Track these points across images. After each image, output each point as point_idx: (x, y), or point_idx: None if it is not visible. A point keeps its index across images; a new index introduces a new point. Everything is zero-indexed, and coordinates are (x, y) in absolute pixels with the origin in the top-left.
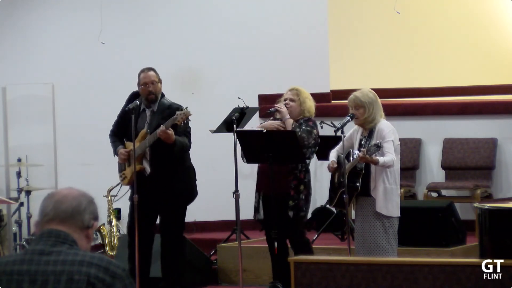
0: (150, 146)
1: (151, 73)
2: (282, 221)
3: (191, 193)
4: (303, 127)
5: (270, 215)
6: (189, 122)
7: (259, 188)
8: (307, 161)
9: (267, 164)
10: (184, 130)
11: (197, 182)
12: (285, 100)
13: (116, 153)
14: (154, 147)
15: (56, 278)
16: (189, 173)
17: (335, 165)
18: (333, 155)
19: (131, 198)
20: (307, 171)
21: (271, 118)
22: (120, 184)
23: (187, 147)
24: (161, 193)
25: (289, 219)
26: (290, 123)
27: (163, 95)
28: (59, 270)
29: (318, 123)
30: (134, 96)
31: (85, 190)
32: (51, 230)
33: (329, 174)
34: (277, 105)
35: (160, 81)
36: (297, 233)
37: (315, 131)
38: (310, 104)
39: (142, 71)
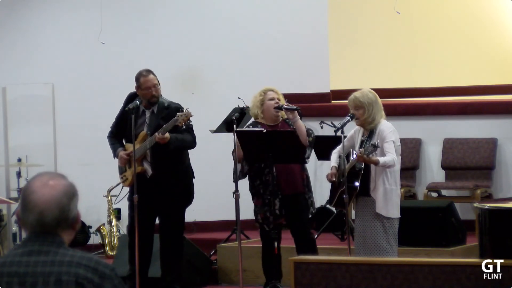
0: (151, 150)
1: (151, 76)
2: (301, 220)
3: (190, 194)
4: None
5: (292, 215)
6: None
7: (277, 192)
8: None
9: (284, 166)
10: (187, 126)
11: (197, 182)
12: (272, 99)
13: (116, 155)
14: (155, 149)
15: (45, 280)
16: (188, 174)
17: (334, 178)
18: (334, 157)
19: (130, 199)
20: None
21: (250, 123)
22: (121, 185)
23: (190, 143)
24: (161, 194)
25: (307, 217)
26: (302, 124)
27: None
28: (48, 271)
29: (318, 123)
30: (131, 97)
31: (60, 175)
32: (38, 233)
33: None
34: (292, 106)
35: (159, 82)
36: (310, 230)
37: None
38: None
39: (141, 74)
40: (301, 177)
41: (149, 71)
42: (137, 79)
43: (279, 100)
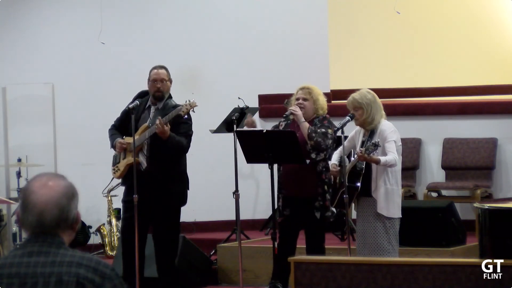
0: (149, 141)
1: (162, 71)
2: (309, 223)
3: (183, 197)
4: (319, 131)
5: (295, 217)
6: (192, 125)
7: (281, 190)
8: (324, 161)
9: (292, 166)
10: (185, 132)
11: (197, 182)
12: (297, 99)
13: (113, 145)
14: (153, 142)
15: (45, 280)
16: (183, 178)
17: (337, 168)
18: (335, 157)
19: (124, 200)
20: (328, 170)
21: (282, 120)
22: (117, 182)
23: (183, 148)
24: (156, 193)
25: (316, 220)
26: (306, 127)
27: (170, 96)
28: (48, 271)
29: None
30: (141, 94)
31: (60, 176)
32: (38, 234)
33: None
34: (292, 108)
35: (170, 80)
36: (321, 236)
37: (330, 130)
38: (323, 101)
39: (154, 67)
40: (313, 181)
41: (162, 66)
42: (150, 71)
43: (305, 100)
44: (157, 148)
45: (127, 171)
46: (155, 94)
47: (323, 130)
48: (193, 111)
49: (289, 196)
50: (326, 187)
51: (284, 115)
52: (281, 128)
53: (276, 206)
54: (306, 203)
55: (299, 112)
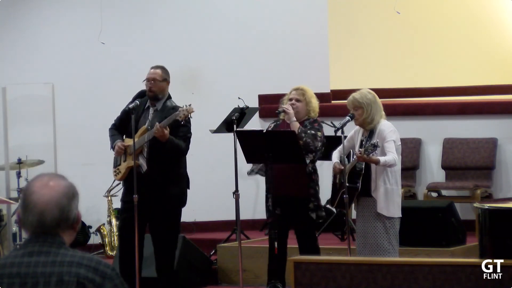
0: (148, 143)
1: (156, 70)
2: (303, 223)
3: (182, 199)
4: (308, 132)
5: (287, 217)
6: (191, 128)
7: (270, 190)
8: (313, 162)
9: (281, 167)
10: (184, 135)
11: (197, 182)
12: (290, 100)
13: (113, 147)
14: (152, 145)
15: (45, 280)
16: (183, 180)
17: (342, 167)
18: (335, 156)
19: (123, 200)
20: (316, 172)
21: (271, 122)
22: (117, 182)
23: (182, 151)
24: (155, 194)
25: (312, 220)
26: (296, 126)
27: (170, 97)
28: (49, 271)
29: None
30: (140, 94)
31: (61, 176)
32: (38, 234)
33: (328, 174)
34: (285, 106)
35: (165, 81)
36: (315, 236)
37: (319, 133)
38: (315, 104)
39: (151, 67)
40: (303, 182)
41: (158, 66)
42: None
43: (298, 100)
44: (156, 150)
45: (128, 174)
46: (148, 94)
47: (313, 132)
48: (190, 116)
49: (280, 196)
50: (317, 188)
51: (276, 112)
52: (269, 129)
53: (266, 205)
54: (298, 203)
55: (291, 110)
